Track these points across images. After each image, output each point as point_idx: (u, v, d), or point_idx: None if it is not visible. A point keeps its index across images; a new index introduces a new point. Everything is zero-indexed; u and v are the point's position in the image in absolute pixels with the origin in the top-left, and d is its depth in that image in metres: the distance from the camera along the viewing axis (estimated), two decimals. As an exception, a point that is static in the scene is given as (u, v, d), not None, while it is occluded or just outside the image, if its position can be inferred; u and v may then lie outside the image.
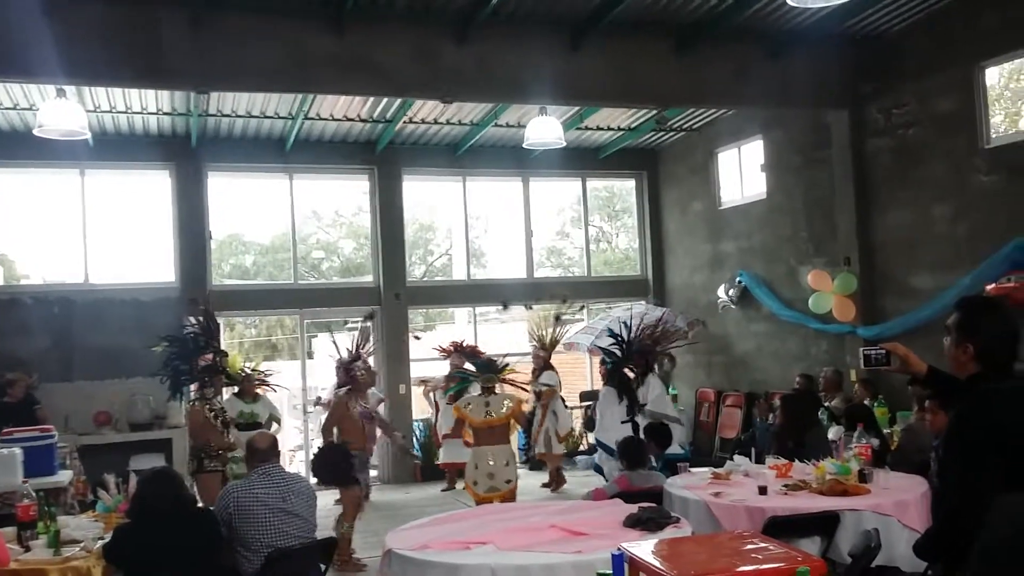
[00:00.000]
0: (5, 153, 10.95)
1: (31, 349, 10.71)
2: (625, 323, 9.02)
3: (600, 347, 9.94)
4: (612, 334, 9.03)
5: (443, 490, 11.35)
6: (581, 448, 12.90)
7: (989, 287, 8.10)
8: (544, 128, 10.21)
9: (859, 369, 9.67)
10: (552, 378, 11.24)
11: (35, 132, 8.85)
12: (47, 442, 7.43)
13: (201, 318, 8.52)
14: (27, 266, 12.54)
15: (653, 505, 5.01)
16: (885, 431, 7.95)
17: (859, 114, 10.16)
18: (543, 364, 11.30)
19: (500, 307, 11.77)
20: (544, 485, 11.17)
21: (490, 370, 8.55)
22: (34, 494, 5.29)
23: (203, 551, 4.75)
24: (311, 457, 9.23)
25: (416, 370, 12.49)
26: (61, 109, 8.60)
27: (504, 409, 8.15)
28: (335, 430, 8.15)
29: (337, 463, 7.53)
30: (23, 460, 6.77)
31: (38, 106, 9.41)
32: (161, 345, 8.23)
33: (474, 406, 8.24)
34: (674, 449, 7.37)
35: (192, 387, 8.64)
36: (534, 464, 12.44)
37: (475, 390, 8.89)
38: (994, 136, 8.88)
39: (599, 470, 8.99)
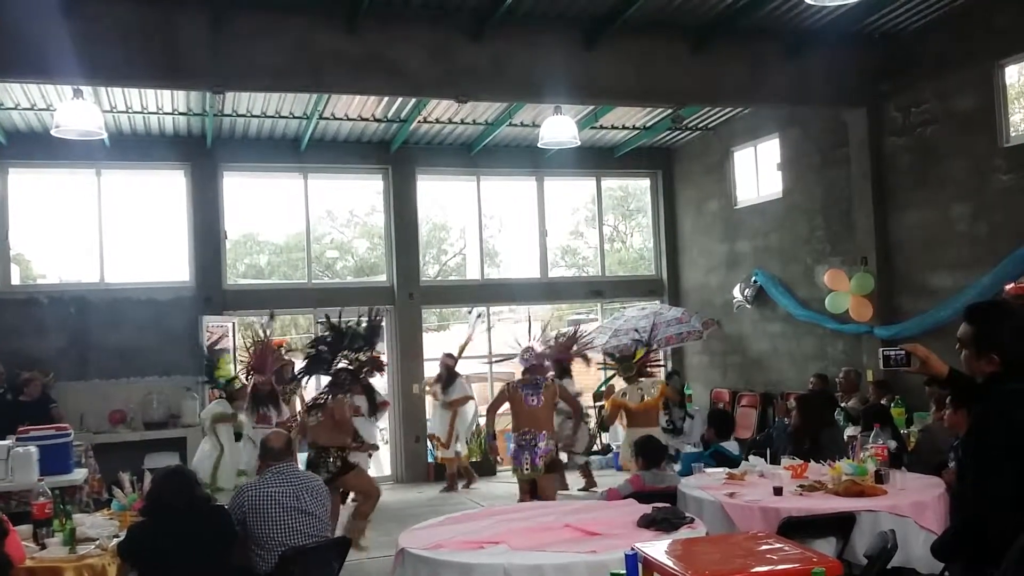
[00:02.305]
0: (22, 153, 11.04)
1: (47, 348, 10.81)
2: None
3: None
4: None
5: (442, 490, 11.44)
6: (595, 448, 12.85)
7: (1008, 287, 8.03)
8: (559, 127, 10.19)
9: (876, 369, 9.61)
10: (461, 386, 11.52)
11: (52, 132, 8.92)
12: (63, 440, 7.45)
13: (370, 321, 8.15)
14: (43, 266, 12.62)
15: (667, 505, 4.98)
16: (902, 432, 7.89)
17: (877, 113, 10.09)
18: (448, 372, 11.51)
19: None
20: (463, 487, 11.49)
21: (628, 362, 9.70)
22: (50, 492, 5.31)
23: (217, 549, 4.76)
24: None
25: (430, 369, 12.49)
26: (78, 109, 8.65)
27: (655, 391, 9.32)
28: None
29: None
30: (39, 458, 6.80)
31: (55, 106, 9.47)
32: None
33: (630, 394, 9.33)
34: (730, 445, 7.31)
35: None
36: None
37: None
38: (1013, 135, 8.79)
39: None
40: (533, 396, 7.85)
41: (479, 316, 12.91)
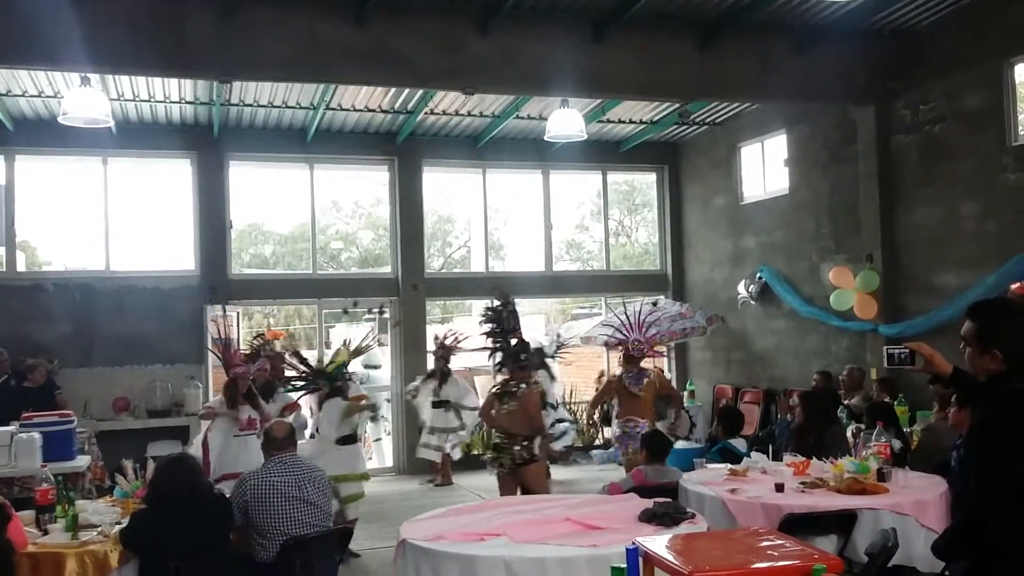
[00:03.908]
0: (29, 140, 11.06)
1: (52, 335, 10.85)
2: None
3: None
4: None
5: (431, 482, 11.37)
6: (597, 443, 12.88)
7: (1015, 286, 7.99)
8: (565, 120, 10.17)
9: (880, 368, 9.58)
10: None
11: (59, 120, 8.93)
12: (66, 427, 7.49)
13: (499, 310, 8.14)
14: (49, 253, 12.64)
15: (669, 500, 4.98)
16: (905, 430, 7.86)
17: (885, 110, 10.04)
18: None
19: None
20: None
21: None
22: (52, 478, 5.33)
23: (219, 537, 4.77)
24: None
25: (433, 361, 12.46)
26: (85, 97, 8.65)
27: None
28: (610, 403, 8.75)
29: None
30: (42, 445, 6.84)
31: (63, 94, 9.48)
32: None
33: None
34: (738, 442, 7.29)
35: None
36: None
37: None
38: (1022, 133, 8.75)
39: None
40: (636, 386, 8.60)
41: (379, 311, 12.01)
